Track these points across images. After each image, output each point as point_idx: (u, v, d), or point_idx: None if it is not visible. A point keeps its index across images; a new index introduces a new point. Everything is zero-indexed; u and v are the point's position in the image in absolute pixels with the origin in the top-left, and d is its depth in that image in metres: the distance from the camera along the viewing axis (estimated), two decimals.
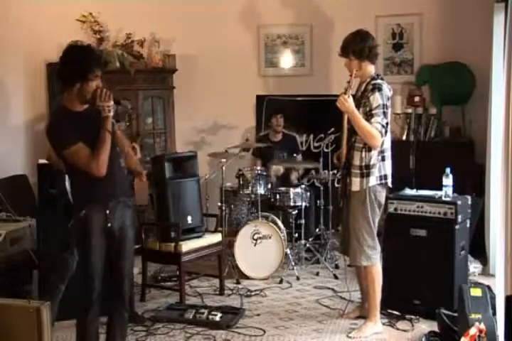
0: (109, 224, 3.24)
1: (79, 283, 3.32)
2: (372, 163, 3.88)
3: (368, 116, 3.81)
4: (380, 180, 3.92)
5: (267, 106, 6.48)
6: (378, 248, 4.01)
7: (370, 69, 3.96)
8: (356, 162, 3.89)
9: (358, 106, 3.82)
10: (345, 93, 3.77)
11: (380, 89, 3.83)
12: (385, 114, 3.83)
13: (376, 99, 3.80)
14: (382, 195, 3.96)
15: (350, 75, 3.85)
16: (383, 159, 3.92)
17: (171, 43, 6.51)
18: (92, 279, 3.23)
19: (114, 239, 3.29)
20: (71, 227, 3.71)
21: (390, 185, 4.00)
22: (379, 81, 3.89)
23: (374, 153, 3.88)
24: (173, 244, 4.55)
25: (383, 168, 3.93)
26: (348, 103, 3.76)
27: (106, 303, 3.38)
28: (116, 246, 3.30)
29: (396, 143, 5.91)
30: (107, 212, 3.24)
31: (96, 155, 3.12)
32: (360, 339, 3.97)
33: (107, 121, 3.15)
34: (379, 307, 4.07)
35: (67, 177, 3.67)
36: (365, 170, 3.87)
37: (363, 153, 3.87)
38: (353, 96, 3.89)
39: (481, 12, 5.63)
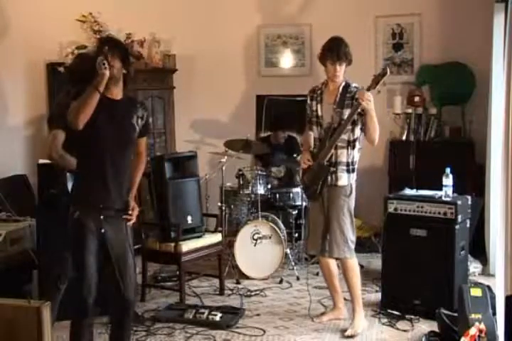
0: (102, 230, 3.22)
1: (75, 284, 3.32)
2: (355, 159, 4.07)
3: (362, 116, 3.94)
4: (357, 175, 4.11)
5: (267, 106, 6.48)
6: (355, 241, 4.12)
7: None
8: (343, 159, 4.02)
9: (342, 108, 3.95)
10: (368, 90, 3.85)
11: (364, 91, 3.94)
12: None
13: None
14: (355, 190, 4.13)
15: (376, 82, 3.87)
16: (358, 157, 4.11)
17: (171, 43, 6.51)
18: (86, 280, 3.23)
19: (108, 243, 3.25)
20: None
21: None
22: (356, 84, 4.03)
23: (356, 151, 4.05)
24: (173, 244, 4.55)
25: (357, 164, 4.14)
26: (372, 99, 3.86)
27: (107, 303, 3.39)
28: (112, 250, 3.26)
29: (396, 143, 6.01)
30: (101, 217, 3.22)
31: (73, 108, 3.10)
32: (360, 335, 3.99)
33: (99, 78, 3.08)
34: (361, 298, 4.15)
35: (68, 176, 3.69)
36: (351, 166, 4.05)
37: (349, 150, 4.02)
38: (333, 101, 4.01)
39: (481, 12, 5.63)
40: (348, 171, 4.02)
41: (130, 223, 3.35)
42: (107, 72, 3.09)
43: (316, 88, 4.15)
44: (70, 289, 3.75)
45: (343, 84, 4.01)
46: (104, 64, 3.08)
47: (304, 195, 5.43)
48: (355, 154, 4.05)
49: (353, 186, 4.07)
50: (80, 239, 3.22)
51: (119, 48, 3.24)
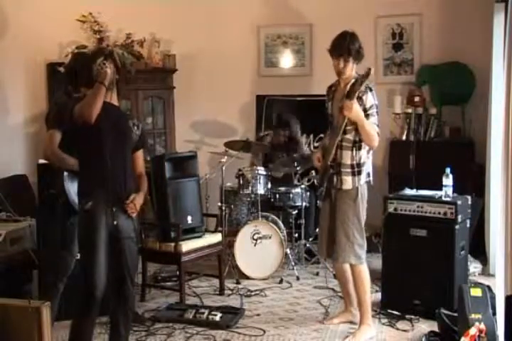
0: (115, 222, 3.26)
1: (80, 281, 3.31)
2: (362, 161, 3.91)
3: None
4: (367, 177, 3.96)
5: (267, 106, 6.48)
6: (365, 247, 4.00)
7: (354, 70, 3.95)
8: (347, 161, 3.89)
9: None
10: (350, 98, 3.71)
11: (371, 89, 3.84)
12: (377, 113, 3.87)
13: (369, 99, 3.81)
14: (366, 193, 3.98)
15: (357, 81, 3.72)
16: (368, 157, 3.96)
17: (171, 43, 6.52)
18: (95, 277, 3.22)
19: (119, 238, 3.29)
20: (70, 226, 3.73)
21: (372, 183, 4.01)
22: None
23: (364, 152, 3.91)
24: (173, 244, 4.55)
25: (369, 165, 3.98)
26: (354, 108, 3.72)
27: (106, 303, 3.38)
28: (121, 245, 3.30)
29: (396, 143, 6.01)
30: (114, 209, 3.27)
31: (84, 103, 3.22)
32: None
33: (102, 75, 3.26)
34: (370, 308, 4.06)
35: (65, 175, 3.70)
36: (357, 169, 3.89)
37: (354, 152, 3.88)
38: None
39: (481, 12, 5.63)
40: (353, 174, 3.87)
41: (132, 213, 3.36)
42: (108, 70, 3.28)
43: (332, 85, 4.04)
44: (73, 288, 3.75)
45: (352, 81, 3.83)
46: (104, 64, 3.29)
47: (303, 195, 5.46)
48: (363, 155, 3.89)
49: (361, 189, 3.90)
50: (91, 231, 3.23)
51: (111, 56, 3.40)
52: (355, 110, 3.72)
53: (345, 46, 3.81)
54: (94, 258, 3.23)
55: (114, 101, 3.39)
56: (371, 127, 3.80)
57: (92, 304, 3.26)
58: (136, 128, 3.45)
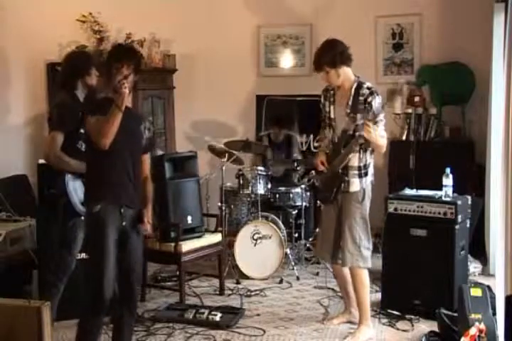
0: (123, 223, 3.25)
1: (89, 282, 3.29)
2: (368, 161, 3.95)
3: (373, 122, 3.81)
4: (372, 177, 4.00)
5: (267, 106, 6.48)
6: (371, 248, 4.00)
7: (349, 72, 3.92)
8: (355, 163, 3.90)
9: (355, 113, 3.81)
10: (374, 123, 3.71)
11: (377, 93, 3.85)
12: (384, 116, 3.88)
13: (377, 103, 3.81)
14: (371, 192, 4.00)
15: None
16: (372, 158, 4.00)
17: (171, 43, 6.52)
18: (104, 280, 3.20)
19: (126, 239, 3.28)
20: (71, 227, 3.73)
21: (373, 182, 4.04)
22: (368, 83, 3.90)
23: (368, 153, 3.94)
24: (173, 244, 4.55)
25: (372, 165, 4.01)
26: (374, 131, 3.73)
27: (110, 303, 3.38)
28: (128, 246, 3.30)
29: (396, 143, 6.00)
30: (122, 210, 3.25)
31: (100, 128, 3.12)
32: None
33: (120, 97, 3.11)
34: (370, 309, 4.06)
35: (67, 177, 3.69)
36: (363, 170, 3.92)
37: (361, 154, 3.91)
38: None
39: (481, 12, 5.63)
40: (360, 176, 3.90)
41: (146, 231, 3.38)
42: (127, 91, 3.13)
43: (329, 87, 4.03)
44: (73, 288, 3.75)
45: (355, 85, 3.86)
46: (123, 83, 3.12)
47: (303, 195, 5.46)
48: (368, 157, 3.92)
49: (367, 190, 3.94)
50: (100, 234, 3.21)
51: (135, 60, 3.27)
52: (375, 133, 3.71)
53: (316, 60, 3.85)
54: (103, 262, 3.20)
55: (128, 103, 3.27)
56: (380, 138, 3.79)
57: (100, 306, 3.24)
58: (147, 131, 3.41)
